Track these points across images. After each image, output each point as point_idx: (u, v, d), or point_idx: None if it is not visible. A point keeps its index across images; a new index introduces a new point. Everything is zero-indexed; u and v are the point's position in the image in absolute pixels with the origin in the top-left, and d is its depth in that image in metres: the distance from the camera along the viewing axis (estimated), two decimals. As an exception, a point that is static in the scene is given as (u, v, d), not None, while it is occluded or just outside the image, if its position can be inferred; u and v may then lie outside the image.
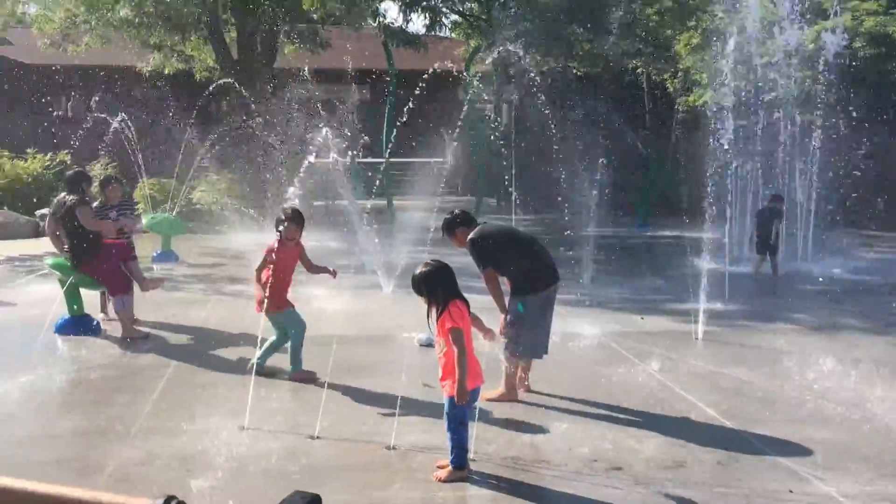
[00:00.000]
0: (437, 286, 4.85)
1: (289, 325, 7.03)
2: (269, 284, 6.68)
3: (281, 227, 6.90)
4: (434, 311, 4.90)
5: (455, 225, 6.53)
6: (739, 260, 13.54)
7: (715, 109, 19.30)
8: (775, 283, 12.27)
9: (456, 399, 4.80)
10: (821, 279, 12.35)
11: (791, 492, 4.87)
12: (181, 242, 14.93)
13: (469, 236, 6.40)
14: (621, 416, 6.21)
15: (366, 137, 20.72)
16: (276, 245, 6.94)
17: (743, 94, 14.27)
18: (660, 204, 20.39)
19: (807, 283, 12.06)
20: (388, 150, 21.18)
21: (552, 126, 16.87)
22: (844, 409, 6.36)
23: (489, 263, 6.27)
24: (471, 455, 5.12)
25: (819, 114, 14.80)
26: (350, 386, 6.79)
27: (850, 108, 15.41)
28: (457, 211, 6.72)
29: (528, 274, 6.36)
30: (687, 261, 14.03)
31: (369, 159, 23.04)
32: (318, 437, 5.68)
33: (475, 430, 5.28)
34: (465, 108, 24.86)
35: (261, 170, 18.03)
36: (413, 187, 26.98)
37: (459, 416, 4.91)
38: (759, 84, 15.56)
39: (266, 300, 6.62)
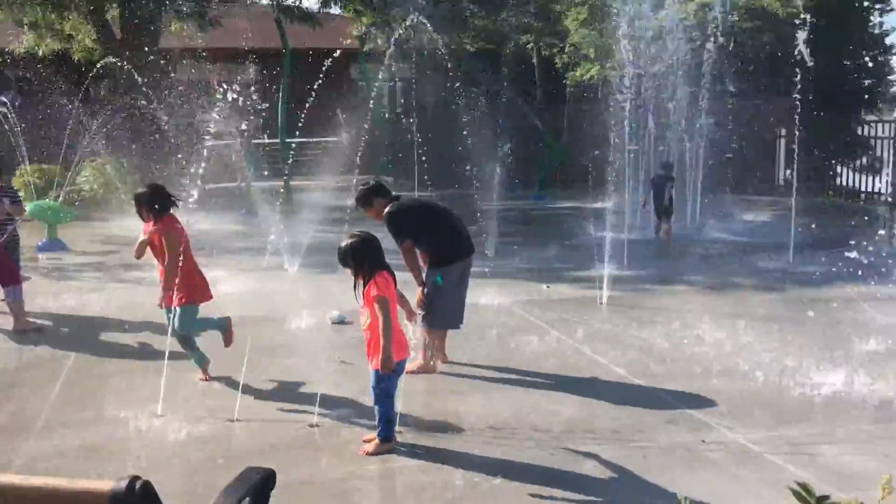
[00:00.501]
0: (363, 258, 4.84)
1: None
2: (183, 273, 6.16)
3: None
4: (360, 282, 4.88)
5: (372, 195, 6.47)
6: (634, 227, 13.98)
7: (602, 83, 19.87)
8: (669, 247, 12.75)
9: (380, 368, 4.80)
10: (708, 242, 12.95)
11: (704, 441, 5.12)
12: (68, 231, 14.27)
13: (386, 210, 6.37)
14: (539, 381, 6.35)
15: (260, 117, 20.23)
16: (178, 225, 6.50)
17: (629, 68, 14.66)
18: (556, 176, 20.81)
19: (697, 247, 12.58)
20: (284, 131, 20.80)
21: (447, 103, 16.95)
22: (742, 361, 6.71)
23: (407, 236, 6.27)
24: (396, 427, 5.14)
25: (704, 85, 15.39)
26: (266, 367, 6.68)
27: (730, 80, 16.12)
28: (372, 182, 6.66)
29: (446, 245, 6.41)
30: (585, 229, 14.41)
31: (264, 140, 22.53)
32: (237, 420, 5.58)
33: (399, 402, 5.30)
34: (359, 85, 24.68)
35: (150, 153, 17.39)
36: (310, 168, 26.67)
37: (386, 388, 4.92)
38: (644, 58, 16.04)
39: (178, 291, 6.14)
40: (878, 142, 18.75)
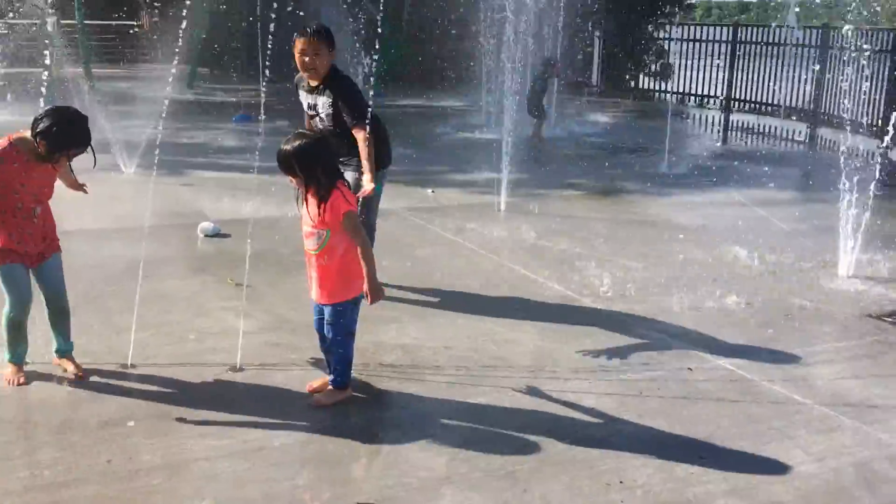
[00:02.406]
0: (315, 164, 3.72)
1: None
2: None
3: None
4: (311, 194, 3.79)
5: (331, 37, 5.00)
6: (490, 128, 13.30)
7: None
8: (541, 146, 12.26)
9: (369, 299, 3.81)
10: (577, 143, 12.61)
11: (690, 370, 4.60)
12: None
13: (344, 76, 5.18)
14: (478, 304, 5.56)
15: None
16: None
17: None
18: (399, 74, 19.56)
19: (567, 148, 12.16)
20: (83, 13, 18.10)
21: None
22: (678, 275, 6.29)
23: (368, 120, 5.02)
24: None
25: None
26: (143, 294, 5.30)
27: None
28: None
29: (386, 146, 5.37)
30: (442, 130, 13.59)
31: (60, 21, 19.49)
32: (132, 366, 4.38)
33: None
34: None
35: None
36: (112, 54, 23.65)
37: (348, 324, 3.93)
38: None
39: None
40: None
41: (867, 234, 6.62)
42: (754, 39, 16.78)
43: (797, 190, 9.84)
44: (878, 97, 13.55)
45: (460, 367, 4.52)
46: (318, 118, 5.17)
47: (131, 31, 24.22)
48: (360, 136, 4.92)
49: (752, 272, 6.42)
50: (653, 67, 19.89)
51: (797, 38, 16.01)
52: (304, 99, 5.23)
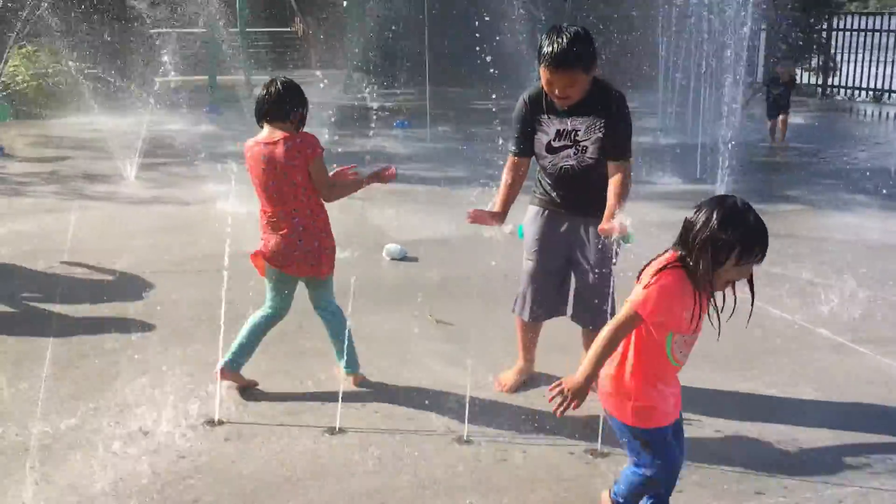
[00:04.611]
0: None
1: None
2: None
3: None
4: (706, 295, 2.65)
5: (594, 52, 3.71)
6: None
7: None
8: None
9: None
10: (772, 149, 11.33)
11: None
12: (1, 132, 11.80)
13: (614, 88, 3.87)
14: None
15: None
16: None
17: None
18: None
19: (763, 155, 10.90)
20: (244, 18, 18.21)
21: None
22: None
23: None
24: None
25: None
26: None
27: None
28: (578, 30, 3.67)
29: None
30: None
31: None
32: (339, 431, 3.68)
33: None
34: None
35: (94, 36, 14.67)
36: (272, 61, 23.84)
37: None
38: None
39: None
40: None
41: None
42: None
43: None
44: None
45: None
46: (572, 150, 3.82)
47: (287, 37, 24.39)
48: (623, 174, 3.72)
49: None
50: (813, 63, 18.24)
51: None
52: (549, 126, 3.82)
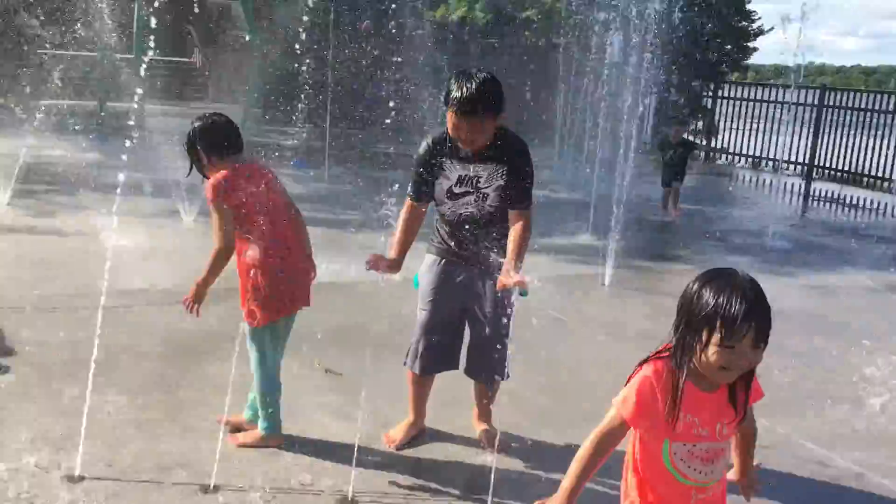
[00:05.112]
0: None
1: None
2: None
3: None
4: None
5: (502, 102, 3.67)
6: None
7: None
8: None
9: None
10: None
11: None
12: None
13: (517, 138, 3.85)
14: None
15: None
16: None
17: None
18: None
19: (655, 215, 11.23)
20: (139, 45, 17.62)
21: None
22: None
23: None
24: None
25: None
26: (217, 377, 4.41)
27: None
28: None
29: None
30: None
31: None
32: (213, 488, 3.43)
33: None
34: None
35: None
36: (167, 91, 23.16)
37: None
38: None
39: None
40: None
41: None
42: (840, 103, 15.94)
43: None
44: None
45: None
46: (473, 197, 3.76)
47: (185, 68, 23.84)
48: (524, 223, 3.68)
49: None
50: (698, 125, 19.09)
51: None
52: (452, 172, 3.77)
